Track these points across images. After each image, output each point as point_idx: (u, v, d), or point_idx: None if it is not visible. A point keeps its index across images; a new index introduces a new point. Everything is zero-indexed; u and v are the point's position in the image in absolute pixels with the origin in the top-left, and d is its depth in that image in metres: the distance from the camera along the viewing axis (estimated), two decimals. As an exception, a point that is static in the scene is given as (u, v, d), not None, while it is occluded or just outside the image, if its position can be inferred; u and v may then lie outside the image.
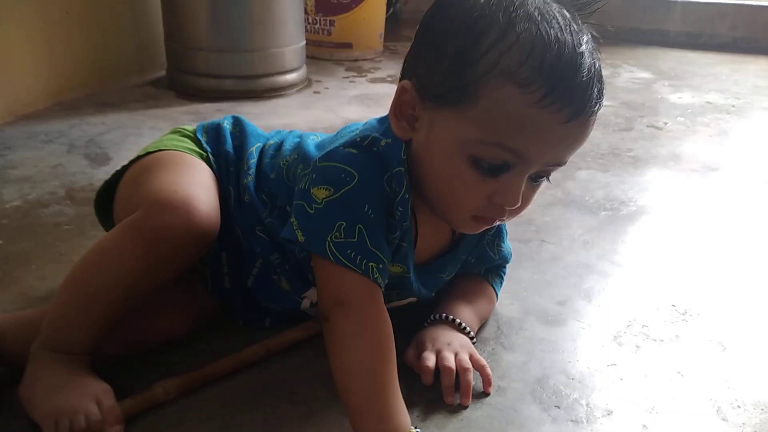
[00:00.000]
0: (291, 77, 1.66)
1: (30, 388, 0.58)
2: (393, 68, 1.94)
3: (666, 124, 1.56)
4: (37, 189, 1.05)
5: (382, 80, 1.82)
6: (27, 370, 0.59)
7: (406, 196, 0.58)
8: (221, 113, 1.46)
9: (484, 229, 0.61)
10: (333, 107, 1.58)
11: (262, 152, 0.71)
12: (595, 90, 0.52)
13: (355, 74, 1.89)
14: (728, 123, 1.60)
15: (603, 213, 1.06)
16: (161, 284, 0.62)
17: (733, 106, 1.73)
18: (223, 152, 0.71)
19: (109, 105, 1.49)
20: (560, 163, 0.56)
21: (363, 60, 2.05)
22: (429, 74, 0.54)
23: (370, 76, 1.88)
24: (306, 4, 1.86)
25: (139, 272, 0.59)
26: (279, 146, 0.71)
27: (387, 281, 0.58)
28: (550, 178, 0.58)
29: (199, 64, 1.56)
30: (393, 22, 2.36)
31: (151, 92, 1.61)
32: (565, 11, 0.53)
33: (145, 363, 0.65)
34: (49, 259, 0.84)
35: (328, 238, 0.55)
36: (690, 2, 2.56)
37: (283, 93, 1.64)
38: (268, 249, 0.67)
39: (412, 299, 0.71)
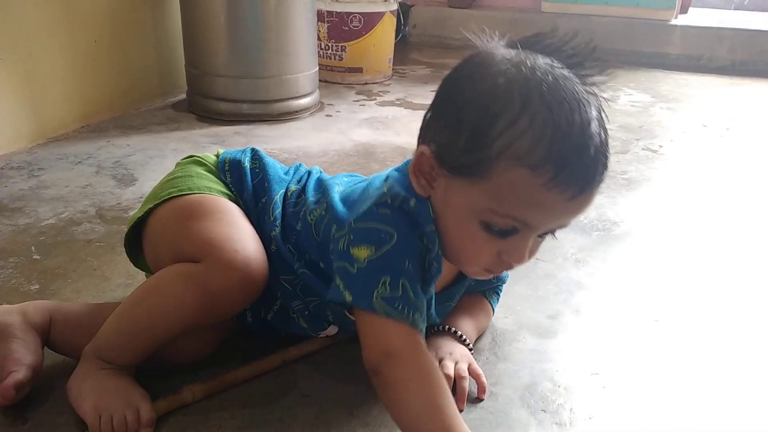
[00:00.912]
0: (304, 101, 1.75)
1: (79, 385, 0.65)
2: (401, 92, 2.03)
3: (661, 147, 1.63)
4: (69, 208, 1.13)
5: (391, 103, 1.91)
6: (77, 368, 0.66)
7: (439, 252, 0.63)
8: (239, 135, 1.55)
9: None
10: (344, 130, 1.66)
11: (285, 199, 0.74)
12: (600, 166, 0.56)
13: (365, 98, 1.98)
14: (721, 146, 1.66)
15: (595, 233, 1.13)
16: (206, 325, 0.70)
17: (728, 129, 1.80)
18: (245, 197, 0.75)
19: (134, 127, 1.58)
20: (564, 226, 0.61)
21: (373, 83, 2.14)
22: (446, 146, 0.59)
23: (379, 99, 1.97)
24: (319, 31, 1.95)
25: (193, 319, 0.66)
26: (300, 193, 0.74)
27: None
28: (555, 234, 0.63)
29: (218, 89, 1.65)
30: (401, 46, 2.44)
31: (172, 115, 1.70)
32: (576, 86, 0.56)
33: (175, 369, 0.72)
34: (83, 274, 0.92)
35: (375, 294, 0.59)
36: (690, 26, 2.64)
37: (296, 116, 1.72)
38: (290, 296, 0.72)
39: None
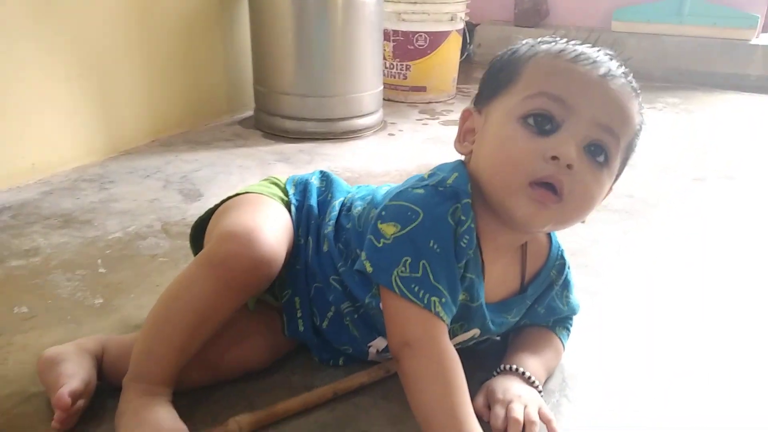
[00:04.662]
0: (368, 120, 1.74)
1: (119, 419, 0.62)
2: (465, 111, 1.99)
3: (735, 171, 1.53)
4: (136, 222, 1.15)
5: (454, 123, 1.87)
6: (120, 400, 0.64)
7: (472, 225, 0.62)
8: (303, 153, 1.56)
9: (547, 219, 0.61)
10: (407, 149, 1.64)
11: (342, 205, 0.76)
12: (619, 65, 0.62)
13: (428, 117, 1.96)
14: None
15: (666, 271, 1.07)
16: (230, 311, 0.66)
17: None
18: (307, 206, 0.76)
19: (201, 143, 1.61)
20: (610, 128, 0.60)
21: (436, 102, 2.12)
22: (483, 89, 0.67)
23: (442, 118, 1.94)
24: (384, 50, 1.94)
25: (208, 298, 0.64)
26: (356, 200, 0.76)
27: (453, 314, 0.62)
28: (608, 159, 0.62)
29: (284, 107, 1.66)
30: (466, 65, 2.41)
31: (239, 131, 1.72)
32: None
33: (225, 392, 0.71)
34: (146, 290, 0.92)
35: (395, 272, 0.59)
36: (773, 46, 2.51)
37: (360, 135, 1.72)
38: (340, 298, 0.71)
39: (476, 332, 0.72)
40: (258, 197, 0.76)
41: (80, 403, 0.64)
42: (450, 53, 2.11)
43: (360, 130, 1.72)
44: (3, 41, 1.22)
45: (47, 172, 1.34)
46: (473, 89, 2.35)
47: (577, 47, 0.63)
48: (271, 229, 0.68)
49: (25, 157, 1.30)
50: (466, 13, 2.13)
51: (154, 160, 1.48)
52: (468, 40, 2.58)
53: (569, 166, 0.59)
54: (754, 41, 2.53)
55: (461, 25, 2.12)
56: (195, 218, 0.82)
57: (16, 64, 1.25)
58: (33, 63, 1.29)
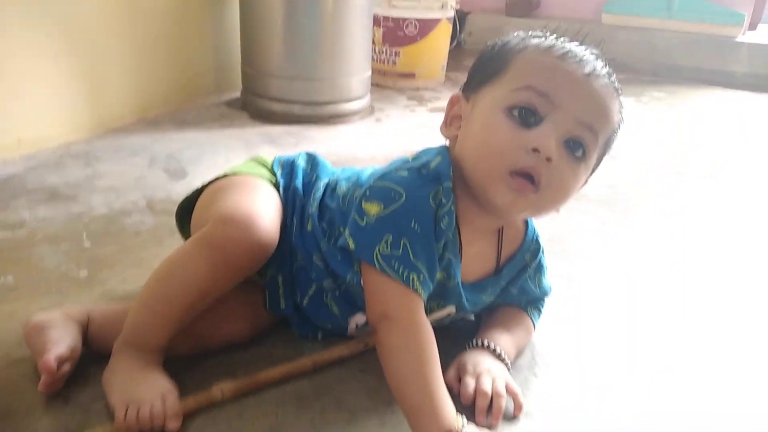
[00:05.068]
0: (355, 105, 1.75)
1: (110, 376, 0.66)
2: (453, 99, 2.00)
3: (716, 169, 1.56)
4: (121, 199, 1.16)
5: (442, 110, 1.85)
6: (110, 361, 0.67)
7: (452, 208, 0.65)
8: (289, 136, 1.57)
9: (523, 207, 0.65)
10: (393, 135, 1.65)
11: (327, 186, 0.78)
12: (605, 65, 0.65)
13: (416, 103, 1.97)
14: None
15: (644, 262, 1.09)
16: (224, 290, 0.69)
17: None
18: (293, 187, 0.78)
19: (188, 123, 1.62)
20: (591, 126, 0.63)
21: (425, 89, 2.13)
22: (472, 76, 0.69)
23: (430, 105, 1.96)
24: (374, 35, 1.95)
25: (205, 278, 0.67)
26: (340, 181, 0.78)
27: (430, 291, 0.65)
28: (586, 155, 0.65)
29: (272, 90, 1.67)
30: (456, 53, 2.43)
31: (226, 112, 1.73)
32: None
33: (211, 362, 0.73)
34: (130, 264, 0.94)
35: (376, 249, 0.62)
36: (758, 44, 2.54)
37: (347, 119, 1.73)
38: (322, 275, 0.73)
39: (451, 310, 0.74)
40: (251, 179, 0.78)
41: (65, 367, 0.66)
42: (440, 41, 2.12)
43: (347, 114, 1.73)
44: (-9, 15, 1.22)
45: (33, 148, 1.34)
46: (462, 77, 2.33)
47: (565, 45, 0.66)
48: (267, 214, 0.71)
49: (11, 132, 1.31)
50: (456, 2, 2.14)
51: (140, 138, 1.48)
52: (458, 29, 2.59)
53: (548, 159, 0.62)
54: (740, 38, 2.56)
55: (452, 13, 2.13)
56: (180, 196, 0.83)
57: (5, 39, 1.25)
58: (22, 39, 1.28)
